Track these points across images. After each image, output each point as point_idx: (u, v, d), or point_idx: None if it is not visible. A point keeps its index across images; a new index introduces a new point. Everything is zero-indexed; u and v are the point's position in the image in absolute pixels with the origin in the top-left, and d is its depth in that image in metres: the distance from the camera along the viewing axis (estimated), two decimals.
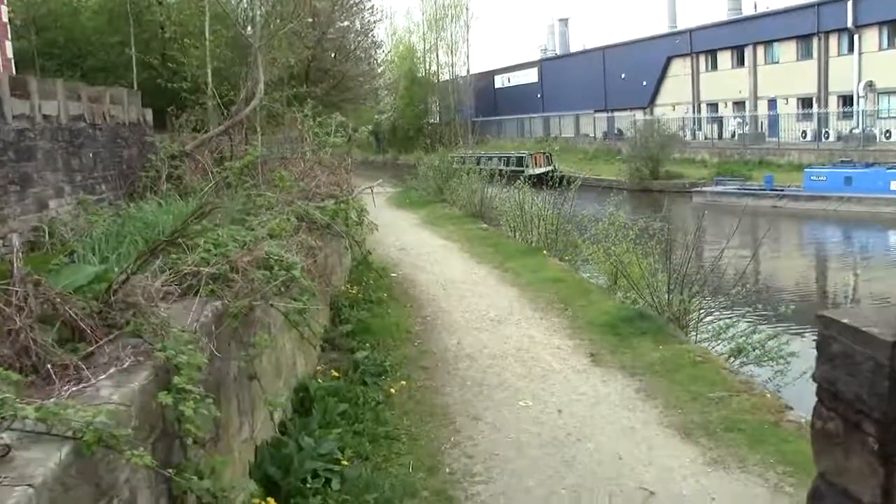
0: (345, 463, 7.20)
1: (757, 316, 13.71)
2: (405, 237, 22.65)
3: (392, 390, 9.30)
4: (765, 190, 41.82)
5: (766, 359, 11.16)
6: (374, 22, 43.01)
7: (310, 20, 24.88)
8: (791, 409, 8.14)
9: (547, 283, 14.92)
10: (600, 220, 17.34)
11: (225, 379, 6.05)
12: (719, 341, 11.89)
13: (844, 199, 37.13)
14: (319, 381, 9.05)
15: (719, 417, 8.01)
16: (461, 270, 17.23)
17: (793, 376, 11.05)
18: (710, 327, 12.28)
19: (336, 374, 9.55)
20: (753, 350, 11.25)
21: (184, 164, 12.12)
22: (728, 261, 13.39)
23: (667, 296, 12.32)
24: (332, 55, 37.62)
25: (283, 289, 6.92)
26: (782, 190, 41.32)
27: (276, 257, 6.77)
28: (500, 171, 28.95)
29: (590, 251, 15.94)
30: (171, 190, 10.96)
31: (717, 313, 12.57)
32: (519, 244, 20.35)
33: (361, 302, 13.28)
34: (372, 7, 41.52)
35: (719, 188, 44.27)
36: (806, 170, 41.41)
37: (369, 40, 44.37)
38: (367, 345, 10.85)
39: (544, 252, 18.54)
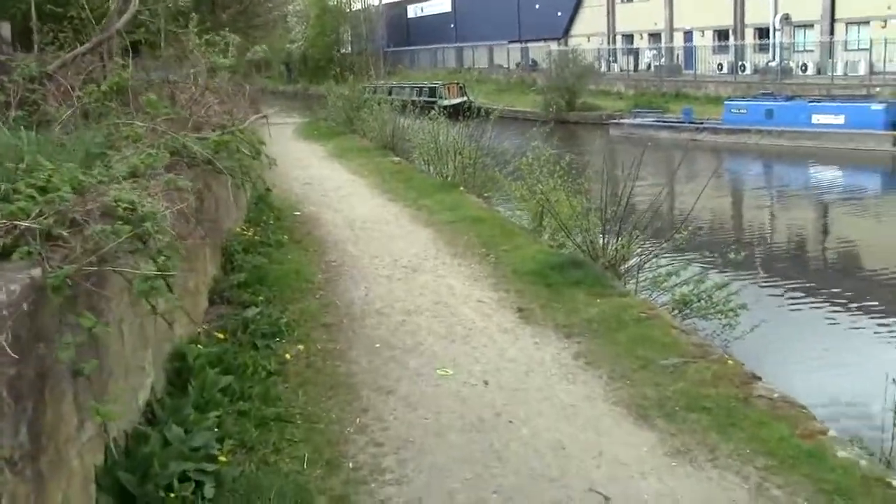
0: (222, 459, 5.69)
1: (699, 262, 12.56)
2: (311, 171, 20.96)
3: (287, 356, 7.77)
4: (683, 123, 41.03)
5: (713, 311, 9.96)
6: None
7: None
8: (759, 378, 6.86)
9: (466, 224, 13.47)
10: (522, 153, 16.09)
11: (52, 370, 4.50)
12: (660, 291, 10.66)
13: (765, 133, 36.54)
14: (200, 346, 7.48)
15: (677, 392, 6.67)
16: (371, 208, 15.68)
17: (742, 330, 9.93)
18: (649, 275, 10.99)
19: (222, 335, 8.02)
20: (699, 301, 10.04)
21: (43, 89, 10.26)
22: (657, 199, 12.14)
23: (601, 239, 11.02)
24: None
25: (141, 245, 5.35)
26: (702, 123, 40.60)
27: (126, 204, 5.19)
28: (413, 101, 27.45)
29: (512, 188, 14.50)
30: (21, 118, 9.15)
31: (656, 259, 11.29)
32: (433, 179, 18.85)
33: (258, 245, 11.67)
34: None
35: (637, 120, 43.44)
36: (726, 102, 40.72)
37: None
38: (262, 298, 9.29)
39: (461, 188, 17.12)
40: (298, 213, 14.74)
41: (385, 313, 9.23)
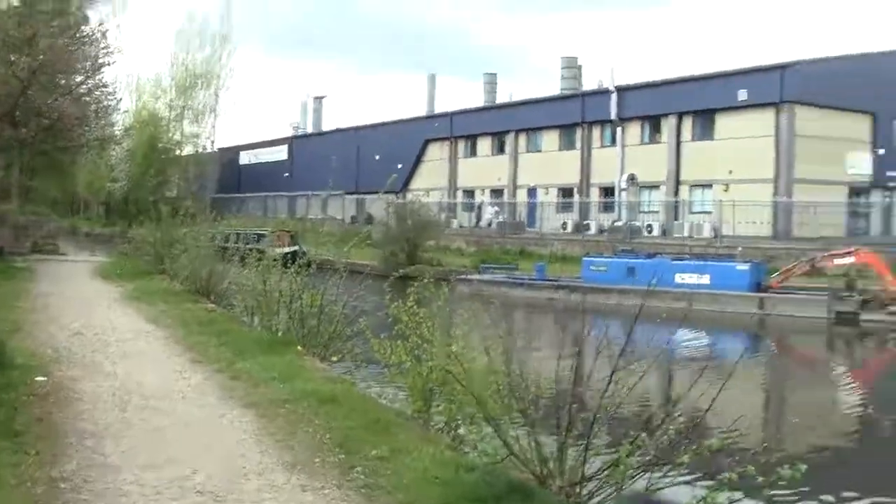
0: None
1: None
2: (94, 316, 15.58)
3: None
4: (538, 280, 37.66)
5: None
6: (107, 61, 35.12)
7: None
8: None
9: (308, 405, 8.54)
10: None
11: None
12: None
13: (628, 292, 33.46)
14: None
15: None
16: (164, 374, 10.53)
17: None
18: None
19: None
20: None
21: None
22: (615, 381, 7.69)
23: (556, 449, 6.39)
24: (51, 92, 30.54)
25: None
26: (557, 280, 37.35)
27: None
28: (236, 248, 22.74)
29: (384, 349, 9.64)
30: None
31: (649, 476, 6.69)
32: (259, 334, 13.86)
33: None
34: (107, 46, 34.14)
35: (487, 276, 39.83)
36: (584, 259, 37.80)
37: (98, 80, 37.15)
38: None
39: (298, 347, 12.28)
40: (43, 380, 9.43)
41: None
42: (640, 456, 6.22)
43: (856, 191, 48.60)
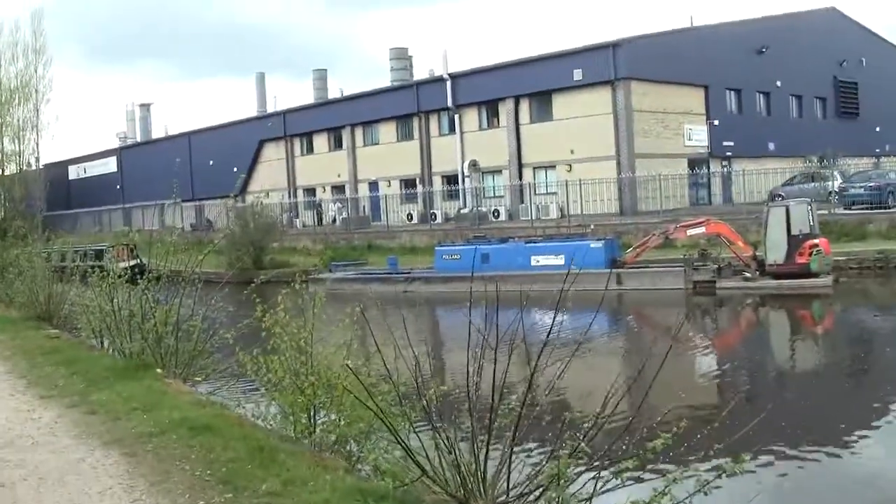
0: None
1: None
2: None
3: None
4: (391, 274, 37.14)
5: None
6: None
7: None
8: None
9: (179, 437, 7.61)
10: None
11: None
12: None
13: (484, 279, 33.18)
14: None
15: None
16: (6, 416, 9.24)
17: None
18: None
19: None
20: None
21: None
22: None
23: (473, 463, 5.73)
24: None
25: None
26: (409, 272, 36.94)
27: None
28: (76, 267, 21.17)
29: (257, 367, 8.76)
30: None
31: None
32: (112, 359, 12.74)
33: None
34: None
35: (339, 274, 39.02)
36: (437, 248, 37.56)
37: None
38: None
39: (157, 370, 11.27)
40: None
41: None
42: (574, 461, 5.64)
43: (694, 162, 50.01)
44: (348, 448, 7.70)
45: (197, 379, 11.45)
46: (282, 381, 8.06)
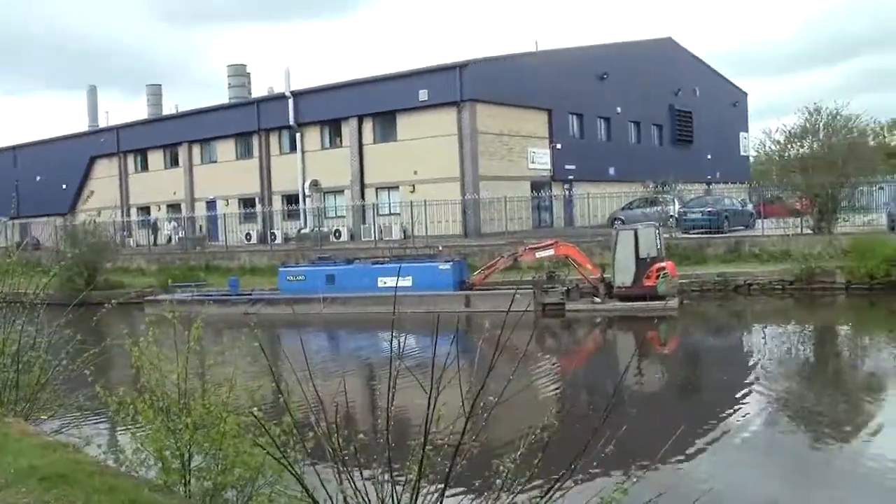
0: None
1: None
2: None
3: None
4: (232, 296, 35.76)
5: None
6: None
7: None
8: None
9: (30, 490, 6.33)
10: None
11: None
12: None
13: (329, 301, 32.46)
14: None
15: None
16: None
17: None
18: None
19: None
20: None
21: None
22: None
23: None
24: None
25: None
26: (250, 294, 35.73)
27: None
28: None
29: (124, 411, 7.50)
30: None
31: None
32: None
33: None
34: None
35: (178, 296, 37.21)
36: (280, 269, 36.54)
37: None
38: None
39: None
40: None
41: None
42: None
43: (537, 185, 50.65)
44: (224, 497, 6.81)
45: (42, 417, 10.19)
46: (153, 422, 7.04)
